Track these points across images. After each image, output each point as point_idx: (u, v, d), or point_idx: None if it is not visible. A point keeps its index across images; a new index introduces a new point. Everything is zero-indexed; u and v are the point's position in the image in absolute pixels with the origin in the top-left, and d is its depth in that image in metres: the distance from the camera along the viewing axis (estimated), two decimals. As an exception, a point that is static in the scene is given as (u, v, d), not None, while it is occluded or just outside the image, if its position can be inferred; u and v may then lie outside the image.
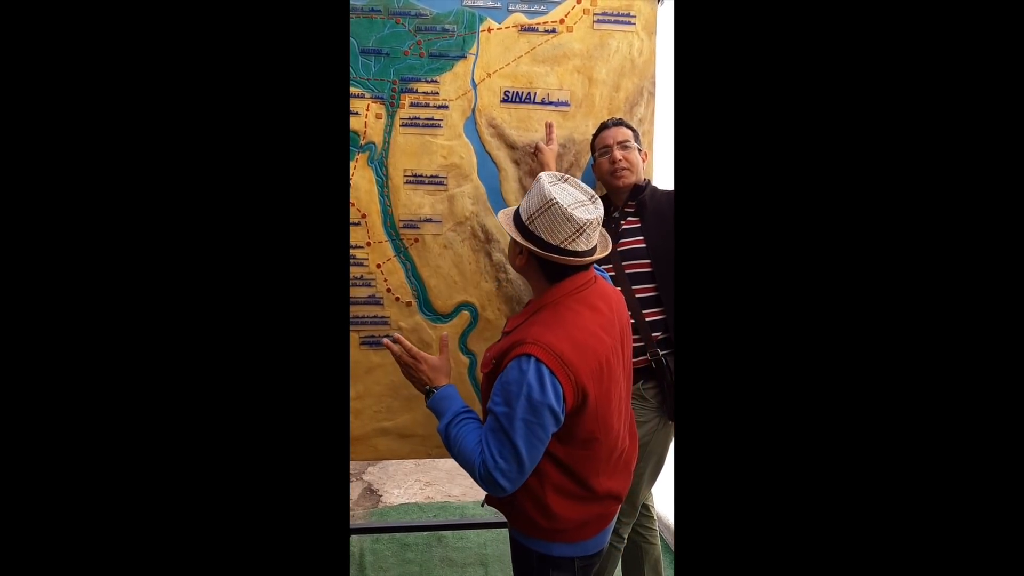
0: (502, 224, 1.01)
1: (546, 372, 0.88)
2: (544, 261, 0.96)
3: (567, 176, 0.99)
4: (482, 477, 0.91)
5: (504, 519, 1.10)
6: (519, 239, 0.96)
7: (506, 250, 1.46)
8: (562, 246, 0.93)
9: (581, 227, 0.93)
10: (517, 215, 0.99)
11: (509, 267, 1.48)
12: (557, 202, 0.92)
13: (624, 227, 1.37)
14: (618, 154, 1.33)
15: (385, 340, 1.04)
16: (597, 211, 0.95)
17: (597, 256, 0.98)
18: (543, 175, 0.97)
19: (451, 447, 0.97)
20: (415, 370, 1.04)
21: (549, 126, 1.39)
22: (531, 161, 1.44)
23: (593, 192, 0.98)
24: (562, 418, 0.91)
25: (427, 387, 1.03)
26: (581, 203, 0.95)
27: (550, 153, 1.37)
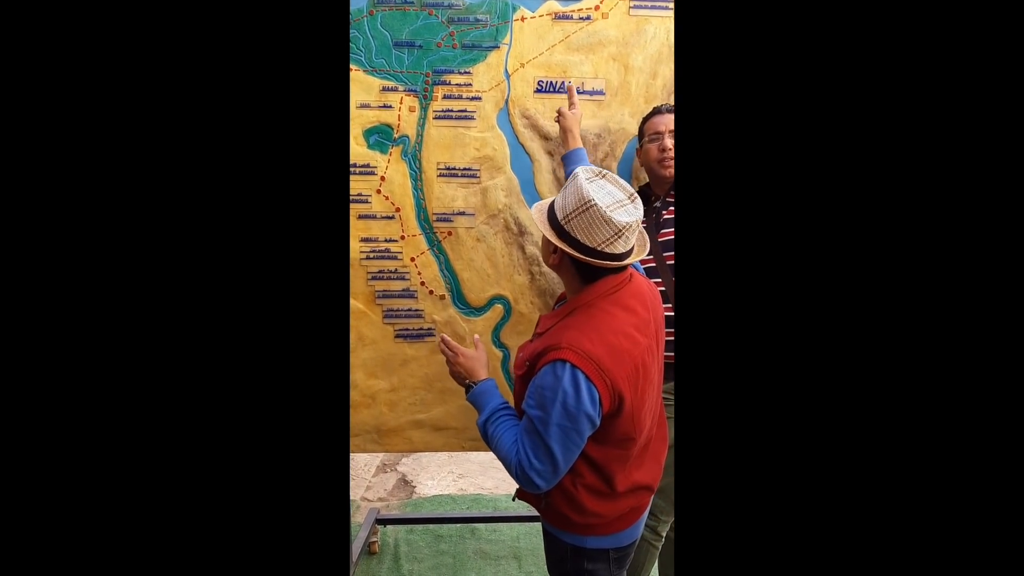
0: (535, 221, 0.98)
1: (582, 378, 0.86)
2: (579, 263, 0.93)
3: (605, 172, 0.95)
4: (518, 476, 0.92)
5: (536, 513, 1.11)
6: (554, 239, 0.93)
7: (539, 243, 1.45)
8: (599, 248, 0.90)
9: (620, 230, 0.89)
10: (552, 213, 0.95)
11: (543, 260, 1.46)
12: (595, 203, 0.88)
13: (666, 216, 1.33)
14: (668, 142, 1.28)
15: (440, 336, 1.10)
16: (637, 212, 0.91)
17: (633, 259, 0.95)
18: (580, 171, 0.93)
19: (489, 443, 0.99)
20: (453, 364, 1.05)
21: (570, 88, 1.35)
22: (555, 126, 1.40)
23: (632, 190, 0.94)
24: (598, 422, 0.90)
25: (466, 381, 1.04)
26: (620, 203, 0.91)
27: (573, 118, 1.32)
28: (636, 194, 0.94)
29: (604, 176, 0.94)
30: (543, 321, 1.01)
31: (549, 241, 0.96)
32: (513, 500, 1.15)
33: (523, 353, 0.99)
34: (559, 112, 1.35)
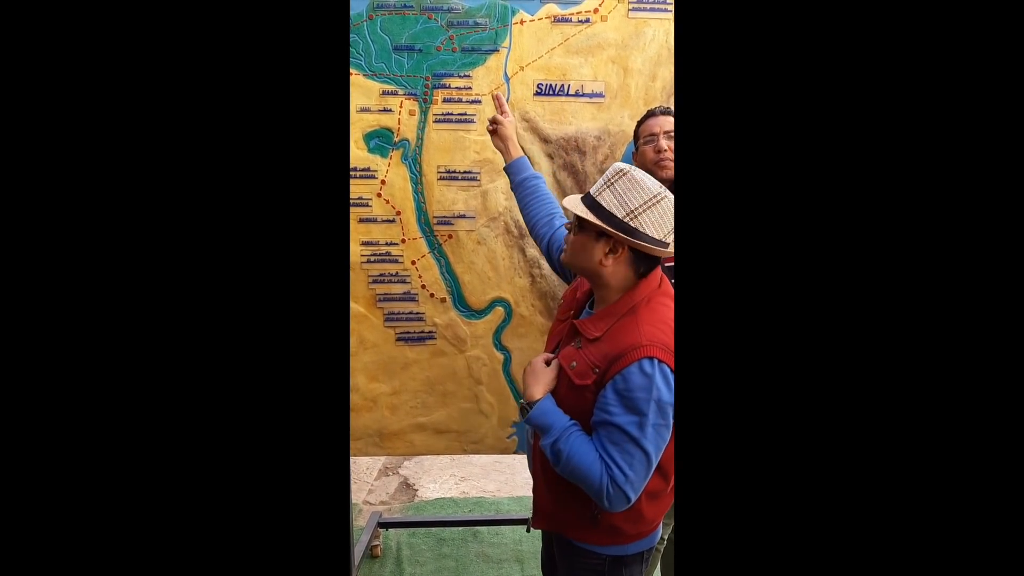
0: (597, 224, 0.90)
1: (669, 372, 0.86)
2: (640, 258, 0.91)
3: (635, 167, 0.93)
4: (610, 495, 0.86)
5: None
6: (625, 237, 0.89)
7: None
8: (663, 239, 0.90)
9: None
10: (606, 213, 0.90)
11: (543, 262, 1.46)
12: (667, 195, 0.88)
13: None
14: (664, 143, 1.27)
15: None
16: None
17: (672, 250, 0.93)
18: (626, 167, 0.90)
19: (562, 464, 0.91)
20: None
21: (497, 97, 1.30)
22: (556, 129, 1.39)
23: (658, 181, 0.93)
24: None
25: (521, 402, 0.97)
26: (669, 194, 0.91)
27: (510, 125, 1.27)
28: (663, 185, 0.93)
29: (635, 170, 0.93)
30: (591, 325, 0.94)
31: (599, 243, 0.91)
32: (528, 531, 1.09)
33: (580, 362, 0.93)
34: (494, 121, 1.26)
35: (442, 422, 1.52)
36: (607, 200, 0.91)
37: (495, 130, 1.27)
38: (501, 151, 1.29)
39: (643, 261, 0.92)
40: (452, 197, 1.43)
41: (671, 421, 0.87)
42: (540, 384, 0.96)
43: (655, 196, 0.89)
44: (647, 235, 0.89)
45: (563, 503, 0.98)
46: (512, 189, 1.28)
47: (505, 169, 1.29)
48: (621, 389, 0.86)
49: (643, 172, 0.93)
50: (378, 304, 1.46)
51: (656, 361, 0.85)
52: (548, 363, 0.99)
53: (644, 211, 0.88)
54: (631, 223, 0.89)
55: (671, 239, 0.91)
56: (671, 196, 0.89)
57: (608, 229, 0.90)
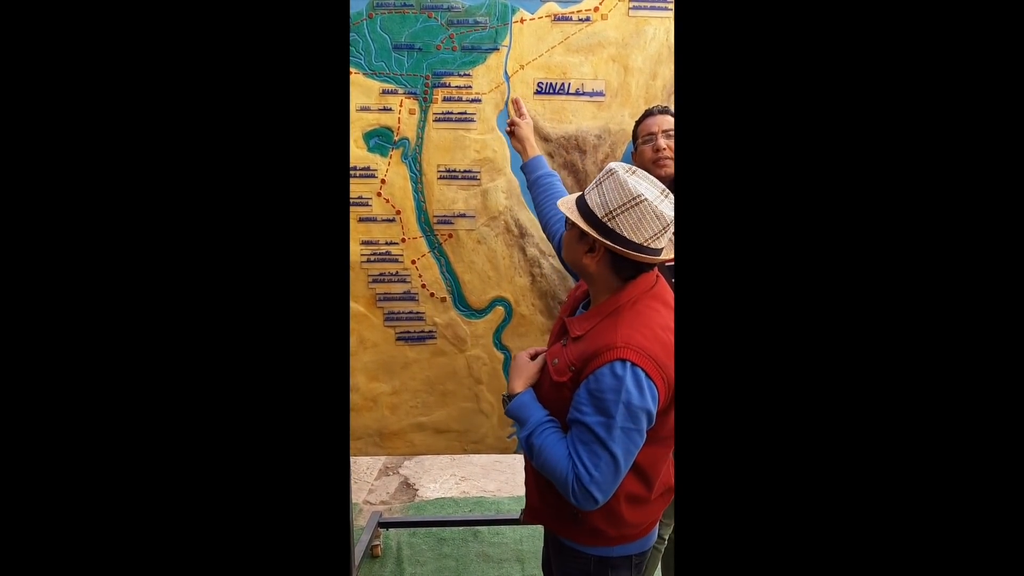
0: (575, 220, 0.91)
1: (642, 375, 0.84)
2: (620, 260, 0.90)
3: (634, 168, 0.92)
4: (575, 493, 0.86)
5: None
6: (599, 237, 0.89)
7: (540, 244, 1.45)
8: (645, 244, 0.88)
9: (668, 224, 0.88)
10: (588, 211, 0.91)
11: (543, 262, 1.46)
12: (646, 198, 0.86)
13: None
14: (662, 142, 1.27)
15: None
16: (672, 206, 0.90)
17: (667, 254, 0.91)
18: (616, 167, 0.90)
19: (535, 458, 0.92)
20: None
21: (516, 101, 1.35)
22: (556, 128, 1.40)
23: (663, 185, 0.92)
24: (655, 420, 0.88)
25: (503, 394, 0.99)
26: (664, 194, 0.89)
27: (528, 127, 1.31)
28: (667, 189, 0.91)
29: (636, 172, 0.91)
30: (577, 324, 0.95)
31: (581, 241, 0.92)
32: (521, 523, 1.09)
33: (561, 359, 0.94)
34: (512, 123, 1.32)
35: (442, 421, 1.52)
36: (592, 199, 0.91)
37: (513, 131, 1.32)
38: (519, 151, 1.33)
39: (624, 263, 0.91)
40: (452, 196, 1.43)
41: (643, 426, 0.86)
42: (521, 378, 0.98)
43: (633, 199, 0.87)
44: (623, 237, 0.88)
45: (547, 499, 0.99)
46: (528, 187, 1.32)
47: (522, 168, 1.33)
48: (593, 389, 0.86)
49: (640, 173, 0.91)
50: (378, 304, 1.46)
51: (628, 364, 0.84)
52: (534, 358, 1.01)
53: (621, 213, 0.87)
54: (608, 224, 0.88)
55: (657, 245, 0.89)
56: (651, 201, 0.87)
57: (584, 227, 0.90)
